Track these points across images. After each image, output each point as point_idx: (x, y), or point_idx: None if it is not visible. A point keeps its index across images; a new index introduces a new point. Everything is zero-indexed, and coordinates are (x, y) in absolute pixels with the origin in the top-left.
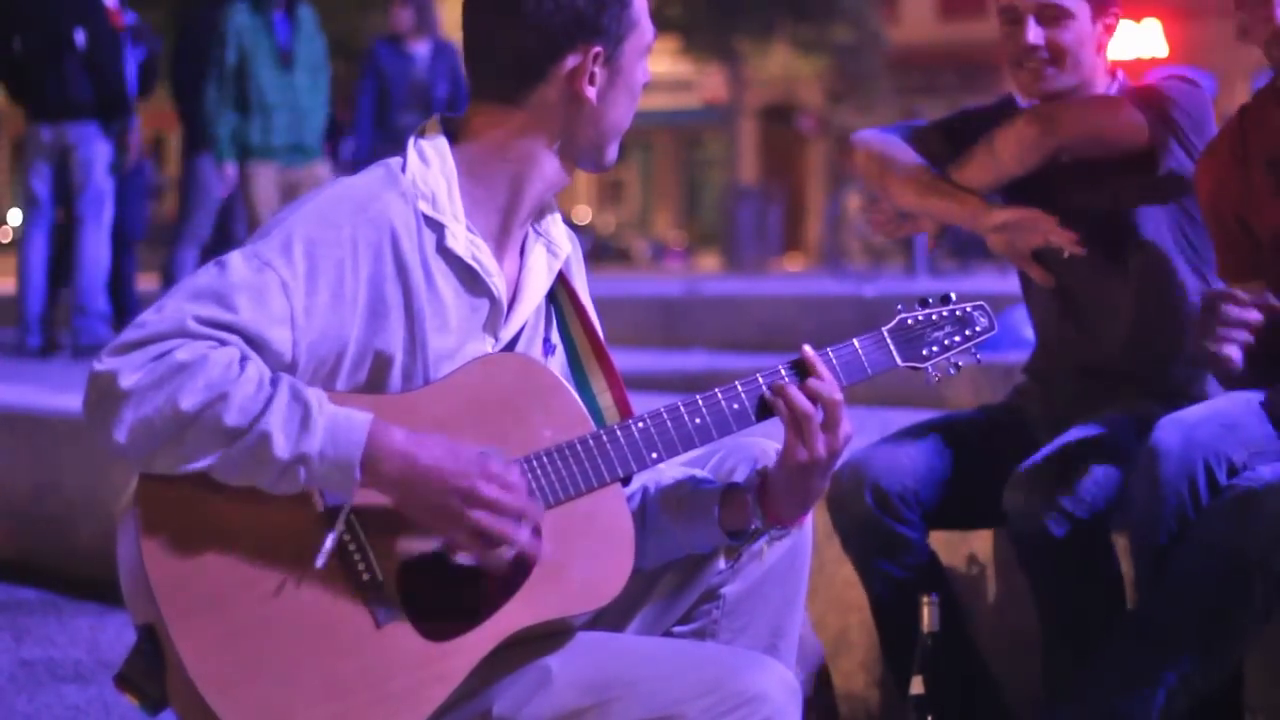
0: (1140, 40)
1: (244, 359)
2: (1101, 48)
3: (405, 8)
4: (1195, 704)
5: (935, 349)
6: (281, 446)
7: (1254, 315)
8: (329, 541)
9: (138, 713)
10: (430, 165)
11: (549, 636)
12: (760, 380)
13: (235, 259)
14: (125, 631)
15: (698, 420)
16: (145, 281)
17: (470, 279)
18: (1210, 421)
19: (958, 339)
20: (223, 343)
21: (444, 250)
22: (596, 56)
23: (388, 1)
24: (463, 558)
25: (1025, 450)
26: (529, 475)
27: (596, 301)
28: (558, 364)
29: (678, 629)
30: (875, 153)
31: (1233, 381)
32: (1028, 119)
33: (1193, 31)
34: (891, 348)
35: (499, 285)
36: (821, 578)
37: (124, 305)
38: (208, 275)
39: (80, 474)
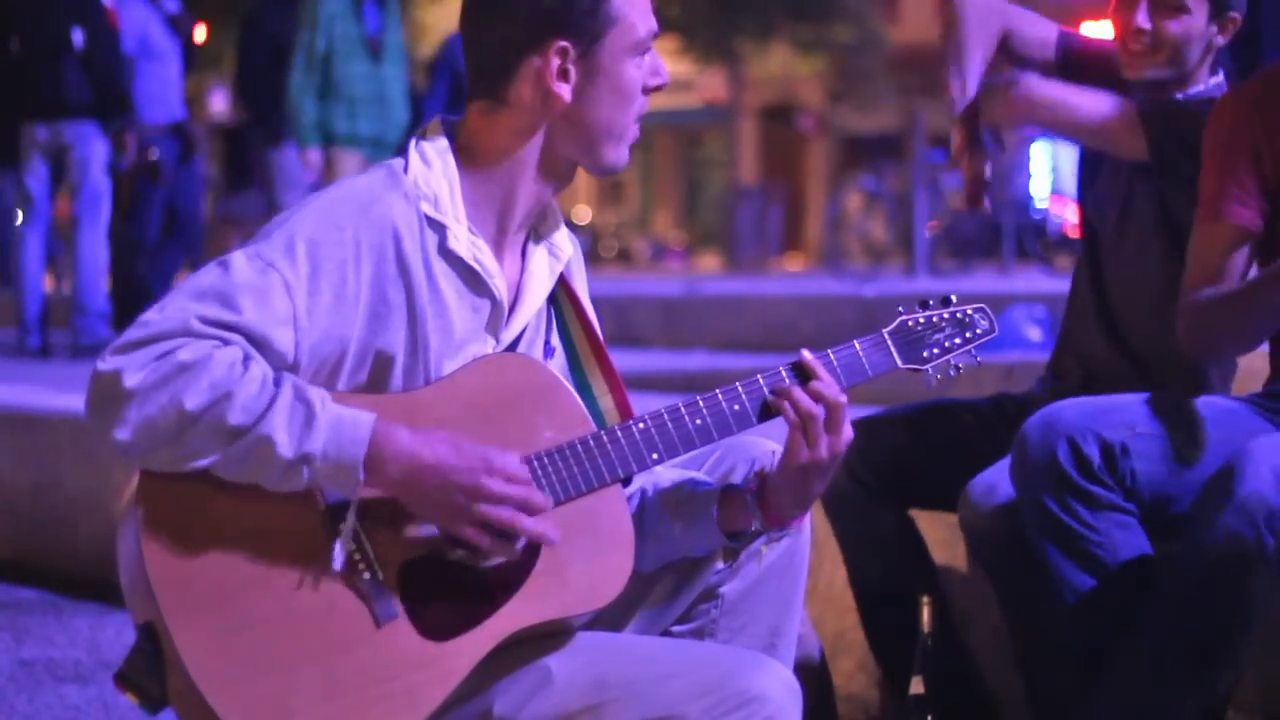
0: None
1: (247, 359)
2: (1212, 49)
3: None
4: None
5: (936, 351)
6: (285, 446)
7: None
8: (339, 544)
9: (138, 712)
10: (432, 167)
11: (549, 636)
12: (761, 381)
13: (239, 259)
14: (125, 631)
15: (698, 421)
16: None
17: (472, 280)
18: (1084, 405)
19: (958, 341)
20: (226, 343)
21: (446, 251)
22: (565, 52)
23: None
24: (468, 554)
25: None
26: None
27: (596, 301)
28: (558, 366)
29: (676, 628)
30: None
31: None
32: (995, 92)
33: None
34: (892, 349)
35: (500, 287)
36: (820, 577)
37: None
38: (211, 275)
39: (80, 474)
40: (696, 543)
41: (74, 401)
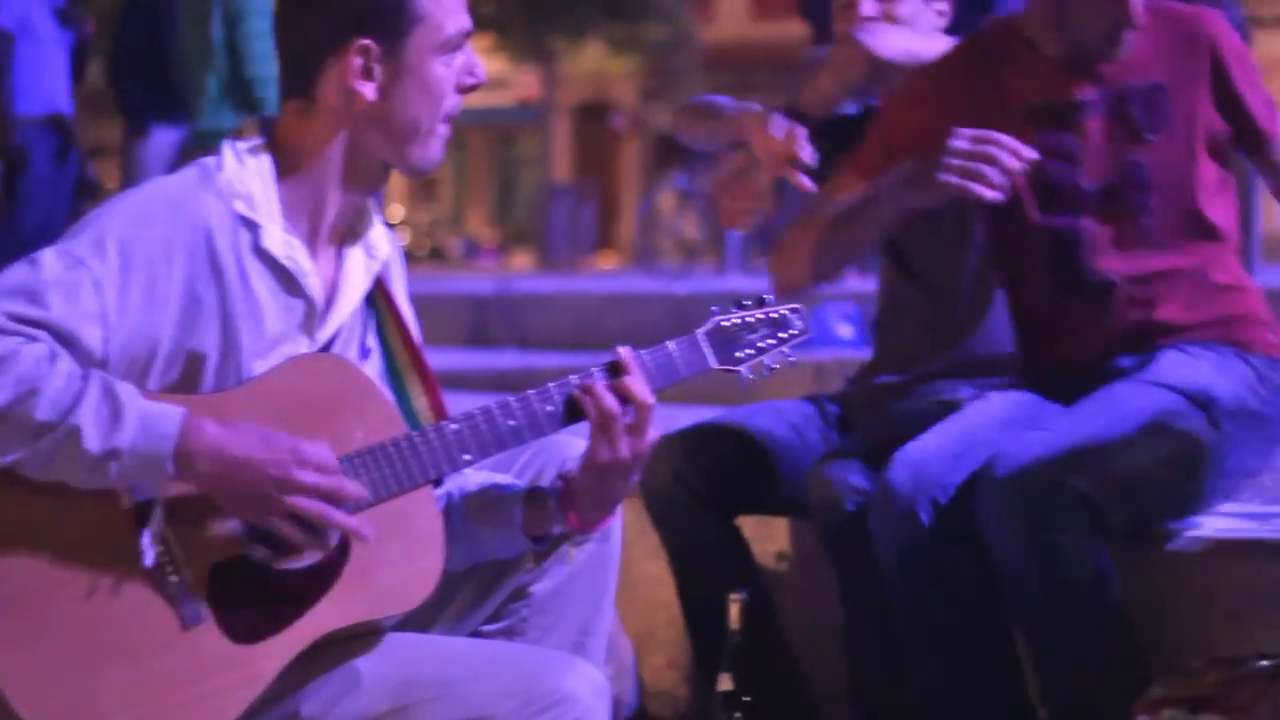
0: None
1: (54, 355)
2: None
3: None
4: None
5: (750, 351)
6: (93, 440)
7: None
8: (146, 541)
9: None
10: (246, 166)
11: (359, 638)
12: (574, 382)
13: (48, 256)
14: None
15: (510, 422)
16: None
17: (286, 280)
18: (943, 453)
19: (772, 341)
20: (33, 339)
21: (259, 250)
22: (368, 51)
23: None
24: (272, 554)
25: (842, 438)
26: None
27: (410, 300)
28: (374, 368)
29: (486, 627)
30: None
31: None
32: (842, 41)
33: None
34: (706, 350)
35: (315, 286)
36: (629, 575)
37: None
38: (20, 272)
39: None
40: (502, 545)
41: None
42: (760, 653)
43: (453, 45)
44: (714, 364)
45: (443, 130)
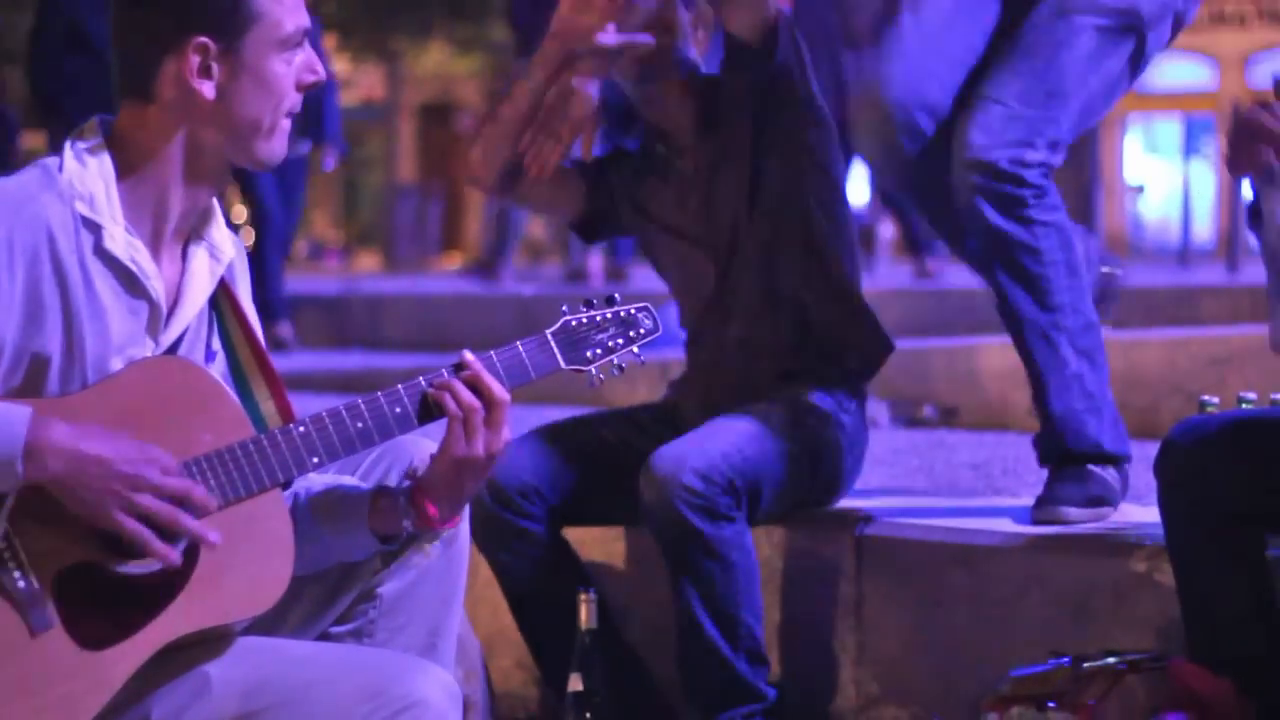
0: None
1: None
2: None
3: None
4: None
5: (599, 351)
6: None
7: None
8: None
9: None
10: (87, 166)
11: (208, 643)
12: (423, 382)
13: None
14: None
15: (359, 424)
16: None
17: (129, 282)
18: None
19: (621, 341)
20: None
21: (102, 252)
22: (206, 49)
23: None
24: (119, 558)
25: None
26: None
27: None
28: (219, 370)
29: (335, 629)
30: None
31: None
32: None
33: None
34: (555, 350)
35: (158, 288)
36: (478, 576)
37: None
38: None
39: None
40: (350, 547)
41: None
42: (606, 652)
43: (292, 43)
44: (563, 364)
45: (285, 124)
